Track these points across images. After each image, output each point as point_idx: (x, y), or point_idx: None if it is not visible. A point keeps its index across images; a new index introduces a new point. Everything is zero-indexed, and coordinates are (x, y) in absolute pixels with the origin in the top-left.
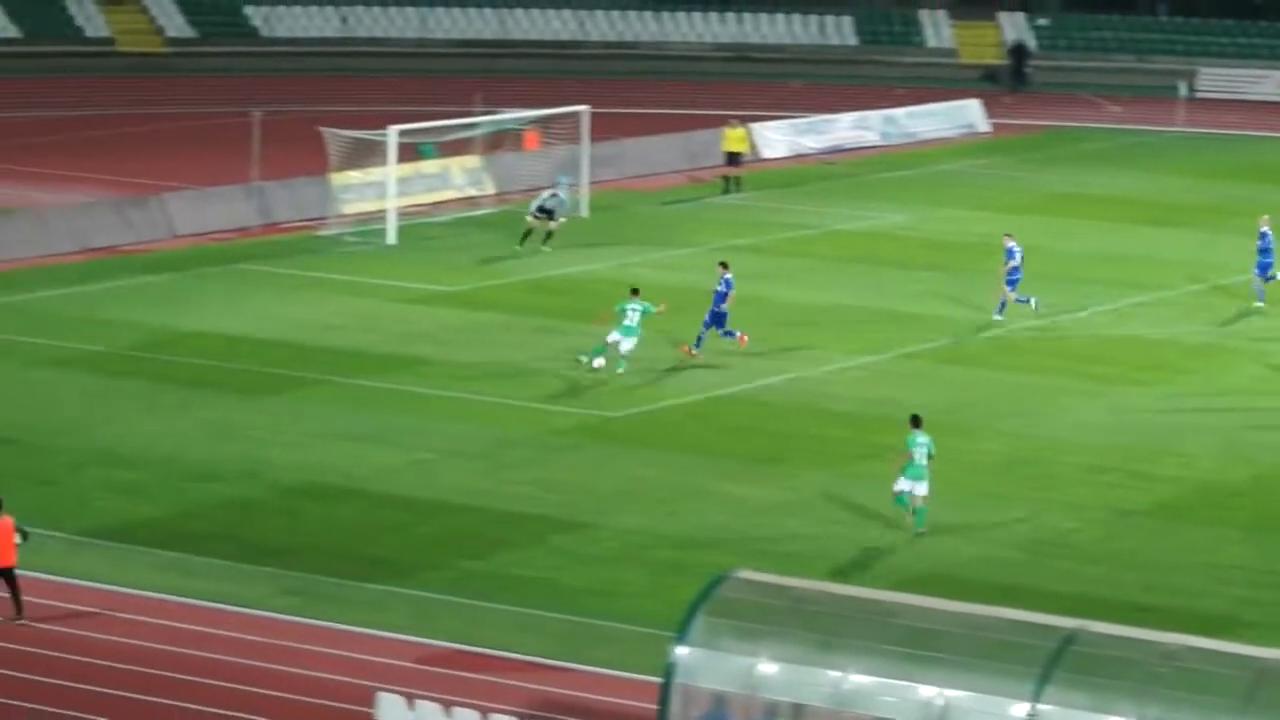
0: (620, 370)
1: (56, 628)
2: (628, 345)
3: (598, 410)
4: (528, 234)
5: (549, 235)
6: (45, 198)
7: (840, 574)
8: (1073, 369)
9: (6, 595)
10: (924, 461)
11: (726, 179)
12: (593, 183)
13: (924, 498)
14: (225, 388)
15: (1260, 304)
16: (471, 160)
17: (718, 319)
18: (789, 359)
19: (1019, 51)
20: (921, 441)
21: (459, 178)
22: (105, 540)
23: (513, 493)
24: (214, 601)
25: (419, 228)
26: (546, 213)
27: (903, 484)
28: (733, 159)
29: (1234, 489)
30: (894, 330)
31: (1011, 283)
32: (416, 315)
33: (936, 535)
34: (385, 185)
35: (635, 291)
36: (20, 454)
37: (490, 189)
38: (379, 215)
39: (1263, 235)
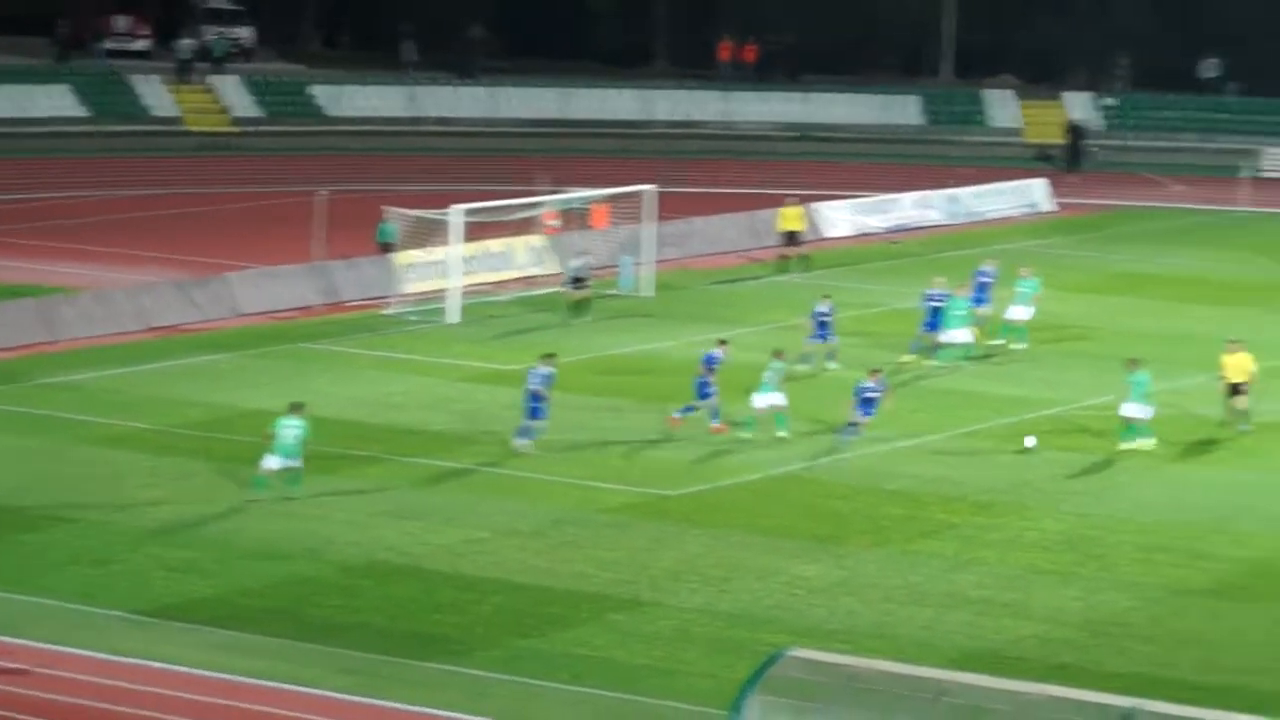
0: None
1: (113, 706)
2: (774, 400)
3: (654, 489)
4: (572, 305)
5: (585, 306)
6: (110, 277)
7: (895, 652)
8: (1132, 448)
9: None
10: (292, 440)
11: (785, 258)
12: (657, 262)
13: (300, 469)
14: None
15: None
16: (535, 239)
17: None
18: (846, 437)
19: (1076, 131)
20: (293, 424)
21: (522, 257)
22: (163, 619)
23: (569, 571)
24: (271, 680)
25: (481, 306)
26: (579, 281)
27: (272, 462)
28: (791, 238)
29: None
30: (953, 409)
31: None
32: (477, 394)
33: (990, 613)
34: (449, 264)
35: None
36: (79, 533)
37: (553, 268)
38: (442, 294)
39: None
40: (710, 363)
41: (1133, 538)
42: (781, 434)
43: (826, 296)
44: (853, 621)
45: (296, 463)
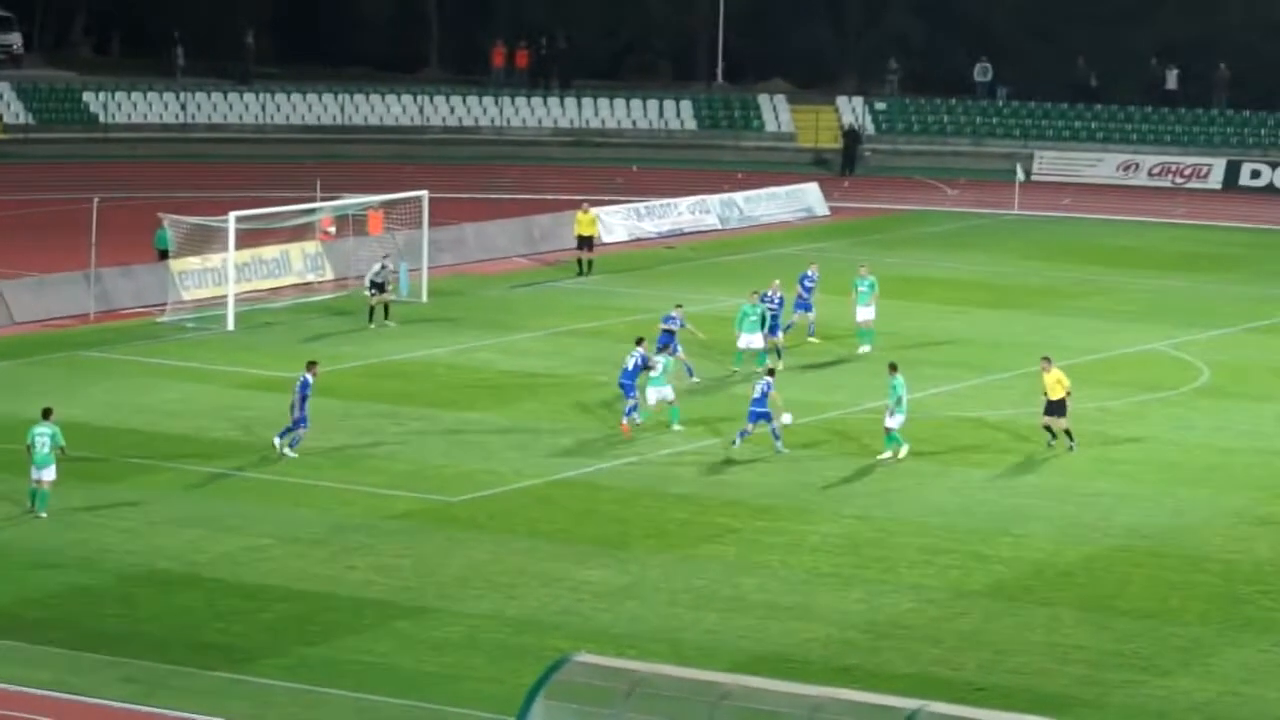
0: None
1: None
2: (664, 394)
3: (437, 495)
4: (373, 312)
5: (387, 310)
6: None
7: (680, 656)
8: (912, 451)
9: None
10: (46, 450)
11: (580, 262)
12: (433, 268)
13: (52, 482)
14: (64, 475)
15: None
16: (311, 246)
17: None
18: (630, 442)
19: (850, 135)
20: (43, 432)
21: (298, 263)
22: None
23: (353, 578)
24: (52, 690)
25: (258, 313)
26: (378, 286)
27: (34, 473)
28: (584, 242)
29: (1069, 569)
30: (734, 413)
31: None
32: (255, 401)
33: (774, 617)
34: (225, 271)
35: (640, 341)
36: None
37: (329, 274)
38: (219, 301)
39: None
40: (643, 362)
41: (915, 540)
42: (676, 427)
43: (679, 306)
44: (638, 626)
45: (50, 474)
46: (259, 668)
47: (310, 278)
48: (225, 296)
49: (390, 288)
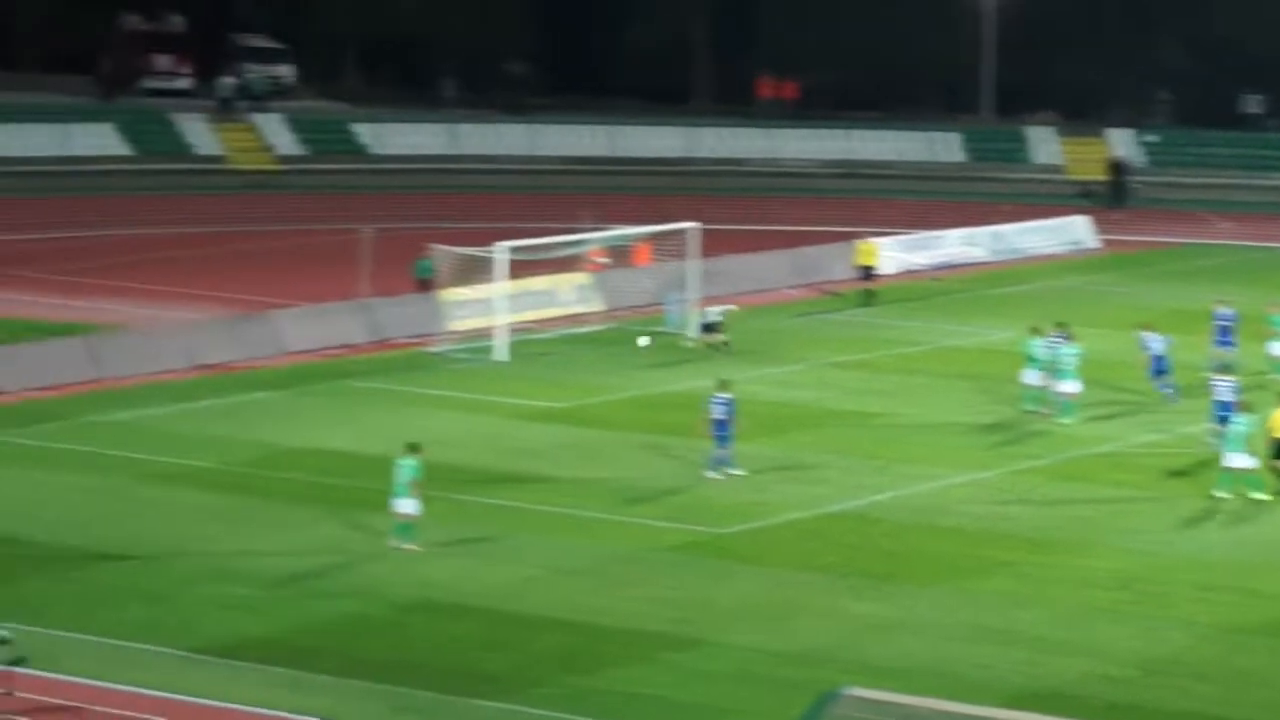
0: None
1: None
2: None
3: (708, 526)
4: (708, 348)
5: (722, 347)
6: (155, 315)
7: (953, 691)
8: (1185, 485)
9: None
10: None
11: (866, 292)
12: (702, 300)
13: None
14: (335, 504)
15: None
16: (580, 277)
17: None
18: (898, 475)
19: (1118, 168)
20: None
21: (567, 294)
22: (216, 657)
23: (623, 609)
24: (326, 718)
25: (527, 344)
26: (710, 328)
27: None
28: (866, 273)
29: None
30: (1004, 446)
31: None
32: (525, 431)
33: (1048, 652)
34: (494, 302)
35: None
36: (132, 570)
37: (598, 306)
38: (488, 332)
39: None
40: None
41: (1189, 576)
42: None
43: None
44: (910, 661)
45: (410, 507)
46: (530, 698)
47: (579, 309)
48: (494, 327)
49: (723, 330)
